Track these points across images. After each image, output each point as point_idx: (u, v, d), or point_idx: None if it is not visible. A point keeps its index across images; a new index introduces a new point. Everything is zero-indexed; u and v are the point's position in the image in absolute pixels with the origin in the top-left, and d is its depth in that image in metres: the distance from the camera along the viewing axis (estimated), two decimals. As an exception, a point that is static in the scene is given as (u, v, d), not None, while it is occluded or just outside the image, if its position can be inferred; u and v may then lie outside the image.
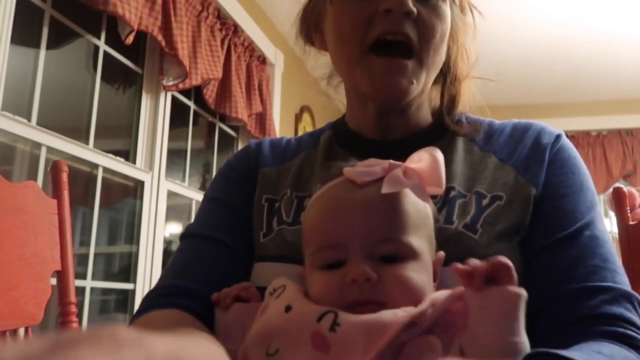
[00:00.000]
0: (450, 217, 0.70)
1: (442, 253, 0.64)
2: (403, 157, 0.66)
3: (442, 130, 0.82)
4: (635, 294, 0.65)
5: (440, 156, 0.62)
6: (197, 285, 0.74)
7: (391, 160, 0.62)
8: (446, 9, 0.77)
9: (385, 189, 0.59)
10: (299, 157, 0.86)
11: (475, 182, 0.74)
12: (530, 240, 0.71)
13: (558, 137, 0.79)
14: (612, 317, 0.62)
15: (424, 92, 0.79)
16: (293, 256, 0.71)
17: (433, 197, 0.67)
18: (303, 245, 0.66)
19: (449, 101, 0.84)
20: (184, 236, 0.82)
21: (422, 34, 0.74)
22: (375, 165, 0.62)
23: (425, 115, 0.83)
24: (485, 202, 0.72)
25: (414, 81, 0.74)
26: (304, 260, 0.67)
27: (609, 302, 0.63)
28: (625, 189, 1.45)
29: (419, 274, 0.59)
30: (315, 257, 0.61)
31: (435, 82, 0.84)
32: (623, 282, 0.66)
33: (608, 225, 3.63)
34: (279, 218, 0.79)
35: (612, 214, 1.47)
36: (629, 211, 1.41)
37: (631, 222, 1.39)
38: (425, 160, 0.62)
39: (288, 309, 0.58)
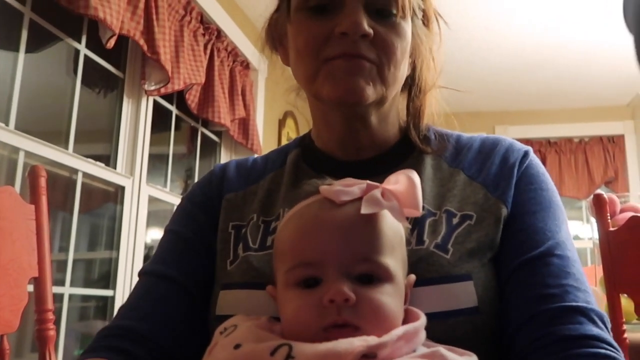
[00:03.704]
0: (421, 238, 0.70)
1: (413, 277, 0.64)
2: (372, 177, 0.66)
3: (409, 147, 0.82)
4: (605, 314, 0.67)
5: (417, 178, 0.62)
6: (139, 324, 0.74)
7: (369, 181, 0.62)
8: (406, 26, 0.76)
9: (364, 210, 0.58)
10: (265, 180, 0.85)
11: (444, 200, 0.74)
12: (503, 258, 0.71)
13: (526, 153, 0.79)
14: (592, 338, 0.63)
15: (383, 103, 0.78)
16: (259, 282, 0.70)
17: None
18: (275, 263, 0.65)
19: (415, 114, 0.84)
20: (140, 274, 0.83)
21: (381, 52, 0.73)
22: (353, 185, 0.61)
23: (392, 130, 0.83)
24: (455, 220, 0.72)
25: (371, 83, 0.73)
26: (274, 280, 0.66)
27: (586, 323, 0.64)
28: (605, 195, 1.46)
29: (394, 298, 0.58)
30: (289, 275, 0.60)
31: (401, 94, 0.84)
32: (593, 301, 0.67)
33: (589, 231, 3.66)
34: (244, 244, 0.78)
35: (593, 220, 1.47)
36: (609, 217, 1.43)
37: (612, 228, 1.40)
38: (403, 182, 0.62)
39: (237, 347, 0.56)
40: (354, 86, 0.72)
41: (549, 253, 0.70)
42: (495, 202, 0.73)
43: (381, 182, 0.63)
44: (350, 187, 0.61)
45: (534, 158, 0.80)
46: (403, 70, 0.78)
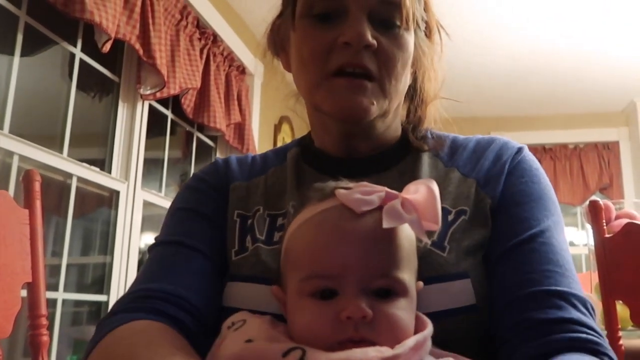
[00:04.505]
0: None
1: (420, 283, 0.63)
2: (371, 175, 0.65)
3: (407, 147, 0.82)
4: (588, 298, 0.66)
5: (436, 189, 0.61)
6: (184, 291, 0.70)
7: (387, 189, 0.61)
8: (409, 37, 0.77)
9: (386, 224, 0.57)
10: (267, 174, 0.85)
11: (440, 198, 0.74)
12: (489, 249, 0.71)
13: (519, 150, 0.80)
14: (572, 322, 0.62)
15: (386, 115, 0.78)
16: (266, 276, 0.69)
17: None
18: (286, 269, 0.64)
19: (416, 121, 0.85)
20: (154, 245, 0.79)
21: (382, 64, 0.73)
22: (372, 194, 0.60)
23: (390, 135, 0.83)
24: (450, 217, 0.72)
25: (374, 102, 0.73)
26: (279, 279, 0.65)
27: (565, 307, 0.64)
28: (601, 201, 1.46)
29: (408, 312, 0.58)
30: (304, 284, 0.59)
31: (402, 103, 0.84)
32: (576, 287, 0.67)
33: (584, 237, 3.67)
34: (252, 236, 0.77)
35: (588, 226, 1.48)
36: (605, 224, 1.42)
37: (607, 235, 1.40)
38: (422, 192, 0.60)
39: (249, 341, 0.56)
40: (356, 105, 0.73)
41: (532, 240, 0.70)
42: (483, 197, 0.74)
43: (382, 180, 0.63)
44: (370, 196, 0.59)
45: (528, 154, 0.80)
46: (405, 82, 0.78)
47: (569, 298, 0.65)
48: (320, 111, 0.78)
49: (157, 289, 0.70)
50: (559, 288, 0.65)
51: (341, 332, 0.55)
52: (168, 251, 0.76)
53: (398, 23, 0.74)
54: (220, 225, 0.80)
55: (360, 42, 0.71)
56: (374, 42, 0.72)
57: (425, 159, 0.80)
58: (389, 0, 0.74)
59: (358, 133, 0.79)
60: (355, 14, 0.72)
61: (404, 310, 0.57)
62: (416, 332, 0.58)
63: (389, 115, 0.80)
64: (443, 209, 0.72)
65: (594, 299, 1.83)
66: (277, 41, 0.85)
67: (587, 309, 0.65)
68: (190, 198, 0.83)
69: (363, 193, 0.60)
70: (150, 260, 0.76)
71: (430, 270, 0.66)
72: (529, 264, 0.68)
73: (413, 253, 0.62)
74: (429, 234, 0.70)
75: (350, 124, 0.76)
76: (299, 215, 0.64)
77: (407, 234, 0.61)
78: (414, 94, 0.84)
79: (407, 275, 0.59)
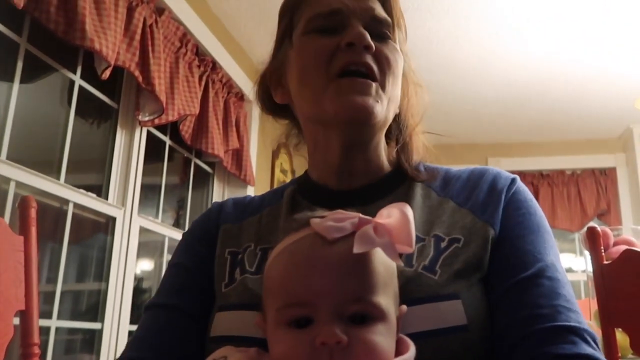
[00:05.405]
0: (410, 261, 0.71)
1: (404, 307, 0.64)
2: (365, 206, 0.67)
3: (401, 177, 0.85)
4: (596, 334, 0.68)
5: (410, 213, 0.61)
6: (145, 355, 0.77)
7: (360, 215, 0.61)
8: (399, 49, 0.83)
9: (357, 249, 0.57)
10: (262, 214, 0.88)
11: (433, 226, 0.76)
12: (494, 281, 0.72)
13: (513, 180, 0.82)
14: (586, 358, 0.64)
15: (385, 125, 0.82)
16: (254, 303, 0.70)
17: None
18: (264, 299, 0.64)
19: (404, 147, 0.88)
20: (146, 308, 0.84)
21: (381, 65, 0.78)
22: (345, 220, 0.60)
23: (383, 160, 0.86)
24: (443, 244, 0.73)
25: (378, 100, 0.77)
26: (262, 309, 0.65)
27: (579, 343, 0.65)
28: (599, 228, 1.45)
29: (386, 337, 0.58)
30: (280, 314, 0.59)
31: (388, 133, 0.88)
32: (584, 322, 0.69)
33: (583, 264, 3.65)
34: (241, 268, 0.80)
35: (587, 253, 1.47)
36: (603, 250, 1.42)
37: (606, 262, 1.39)
38: (395, 216, 0.61)
39: None
40: (362, 103, 0.76)
41: (540, 274, 0.71)
42: (482, 225, 0.75)
43: (374, 210, 0.63)
44: (342, 223, 0.59)
45: (521, 185, 0.83)
46: (399, 89, 0.83)
47: (582, 334, 0.66)
48: (324, 120, 0.80)
49: (126, 358, 0.78)
50: (571, 324, 0.67)
51: (317, 359, 0.54)
52: (149, 316, 0.83)
53: (390, 36, 0.81)
54: (203, 278, 0.84)
55: (362, 42, 0.76)
56: (373, 44, 0.77)
57: (418, 190, 0.82)
58: (380, 18, 0.80)
59: (357, 144, 0.81)
60: (354, 24, 0.78)
61: (381, 335, 0.57)
62: (398, 354, 0.58)
63: (383, 131, 0.83)
64: (436, 236, 0.74)
65: (594, 327, 1.81)
66: (271, 81, 0.89)
67: (596, 344, 0.67)
68: (181, 253, 0.89)
69: (335, 220, 0.60)
70: (137, 327, 0.83)
71: (420, 291, 0.67)
72: (539, 299, 0.69)
73: (391, 277, 0.62)
74: (422, 258, 0.71)
75: (356, 125, 0.78)
76: (276, 247, 0.65)
77: (382, 259, 0.61)
78: (400, 124, 0.88)
79: (384, 299, 0.58)
